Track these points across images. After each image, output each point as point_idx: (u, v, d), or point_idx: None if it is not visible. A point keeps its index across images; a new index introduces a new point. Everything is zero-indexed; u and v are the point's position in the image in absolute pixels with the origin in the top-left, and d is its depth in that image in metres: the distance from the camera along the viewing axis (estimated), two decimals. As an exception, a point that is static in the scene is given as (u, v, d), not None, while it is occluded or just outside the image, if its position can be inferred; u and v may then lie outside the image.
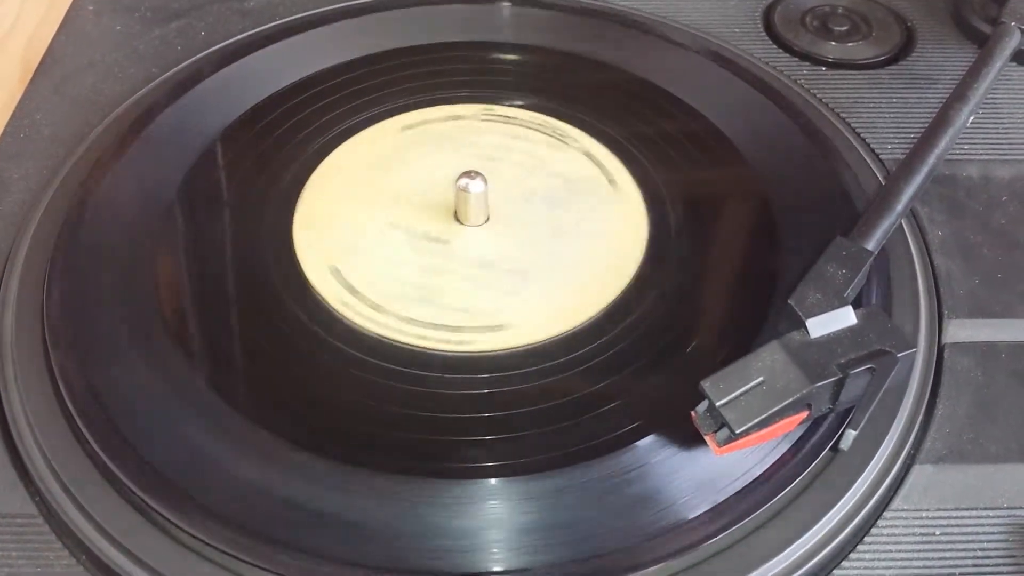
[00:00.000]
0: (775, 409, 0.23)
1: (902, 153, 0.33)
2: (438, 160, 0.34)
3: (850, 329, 0.25)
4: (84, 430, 0.26)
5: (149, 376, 0.27)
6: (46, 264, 0.30)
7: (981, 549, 0.25)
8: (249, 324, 0.29)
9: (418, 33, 0.38)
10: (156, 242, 0.31)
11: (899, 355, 0.24)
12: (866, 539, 0.25)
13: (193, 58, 0.38)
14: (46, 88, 0.38)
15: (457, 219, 0.32)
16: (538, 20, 0.39)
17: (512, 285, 0.30)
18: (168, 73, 0.38)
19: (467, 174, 0.31)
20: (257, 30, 0.39)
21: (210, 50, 0.38)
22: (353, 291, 0.30)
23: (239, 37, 0.39)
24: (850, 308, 0.25)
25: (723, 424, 0.23)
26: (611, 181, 0.34)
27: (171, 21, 0.41)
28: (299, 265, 0.31)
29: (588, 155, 0.35)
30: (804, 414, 0.24)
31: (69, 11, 0.41)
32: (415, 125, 0.35)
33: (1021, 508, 0.26)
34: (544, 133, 0.35)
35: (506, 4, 0.40)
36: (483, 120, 0.36)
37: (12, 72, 0.41)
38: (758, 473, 0.25)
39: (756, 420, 0.23)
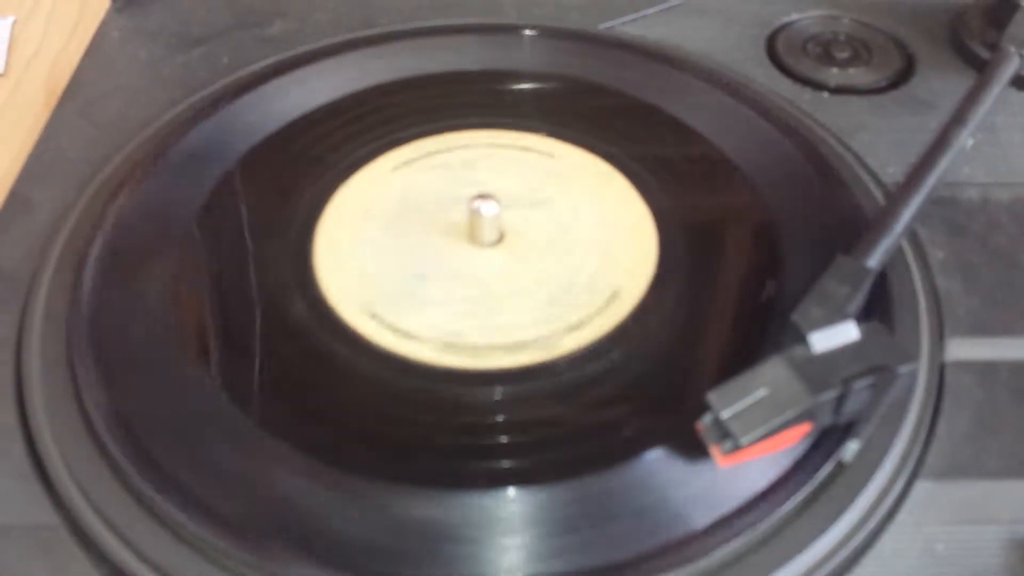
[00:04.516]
0: (778, 421, 0.24)
1: (902, 175, 0.33)
2: (452, 183, 0.35)
3: (852, 344, 0.25)
4: (108, 443, 0.26)
5: (172, 391, 0.28)
6: (71, 282, 0.31)
7: (982, 563, 0.26)
8: (268, 338, 0.30)
9: (436, 62, 0.39)
10: (179, 263, 0.32)
11: (900, 370, 0.25)
12: (869, 552, 0.26)
13: (216, 84, 0.39)
14: (72, 112, 0.38)
15: (471, 240, 0.33)
16: (545, 48, 0.40)
17: (521, 304, 0.31)
18: (192, 98, 0.38)
19: (480, 196, 0.32)
20: (279, 57, 0.40)
21: (233, 76, 0.39)
22: (372, 310, 0.31)
23: (261, 64, 0.40)
24: (852, 323, 0.25)
25: (728, 435, 0.24)
26: (619, 202, 0.34)
27: (194, 48, 0.42)
28: (319, 285, 0.31)
29: (596, 177, 0.35)
30: (807, 427, 0.25)
31: (94, 37, 0.43)
32: (432, 151, 0.36)
33: (1021, 523, 0.26)
34: (552, 157, 0.36)
35: (517, 34, 0.41)
36: (496, 146, 0.37)
37: (37, 96, 0.42)
38: (762, 486, 0.26)
39: (760, 431, 0.24)
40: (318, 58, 0.39)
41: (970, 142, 0.33)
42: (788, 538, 0.25)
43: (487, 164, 0.36)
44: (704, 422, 0.24)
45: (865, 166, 0.36)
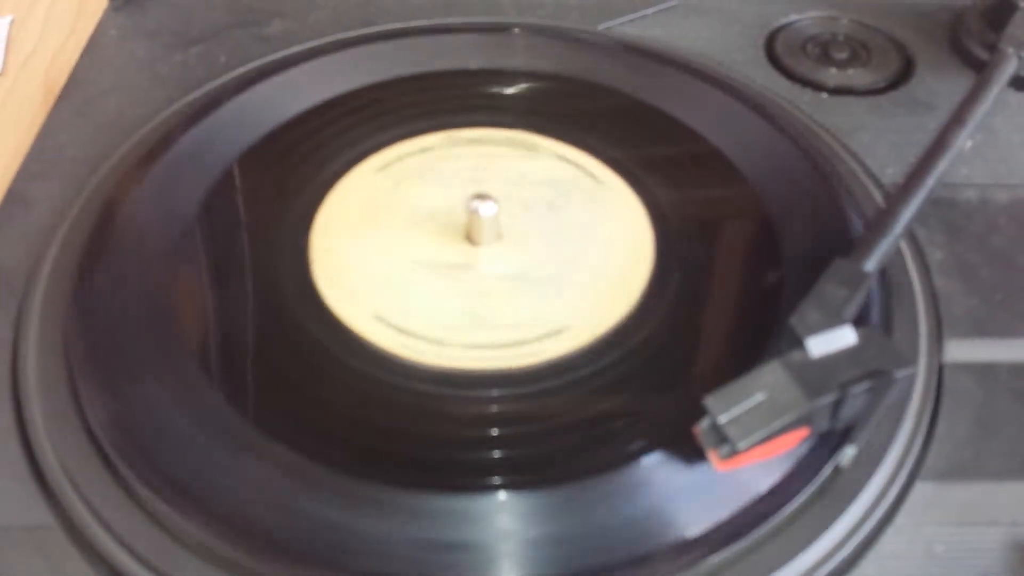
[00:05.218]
0: (776, 426, 0.24)
1: (901, 176, 0.33)
2: (450, 183, 0.35)
3: (850, 348, 0.25)
4: (104, 444, 0.26)
5: (168, 391, 0.28)
6: (68, 281, 0.31)
7: (982, 565, 0.26)
8: (266, 339, 0.30)
9: (436, 61, 0.39)
10: (177, 262, 0.32)
11: (897, 375, 0.25)
12: (868, 555, 0.26)
13: (213, 82, 0.39)
14: (70, 111, 0.38)
15: (469, 240, 0.33)
16: (545, 48, 0.40)
17: (518, 305, 0.31)
18: (189, 96, 0.38)
19: (478, 196, 0.32)
20: (276, 55, 0.40)
21: (230, 75, 0.39)
22: (370, 310, 0.31)
23: (259, 62, 0.40)
24: (850, 327, 0.25)
25: (725, 440, 0.24)
26: (618, 202, 0.34)
27: (192, 46, 0.42)
28: (316, 285, 0.31)
29: (595, 177, 0.35)
30: (805, 431, 0.25)
31: (92, 36, 0.43)
32: (431, 150, 0.36)
33: (1021, 524, 0.26)
34: (552, 157, 0.36)
35: (517, 34, 0.41)
36: (494, 145, 0.37)
37: (35, 94, 0.42)
38: (760, 490, 0.26)
39: (758, 436, 0.24)
40: (316, 57, 0.39)
41: (969, 143, 0.32)
42: (787, 540, 0.25)
43: (485, 164, 0.36)
44: (701, 426, 0.24)
45: (864, 167, 0.36)
